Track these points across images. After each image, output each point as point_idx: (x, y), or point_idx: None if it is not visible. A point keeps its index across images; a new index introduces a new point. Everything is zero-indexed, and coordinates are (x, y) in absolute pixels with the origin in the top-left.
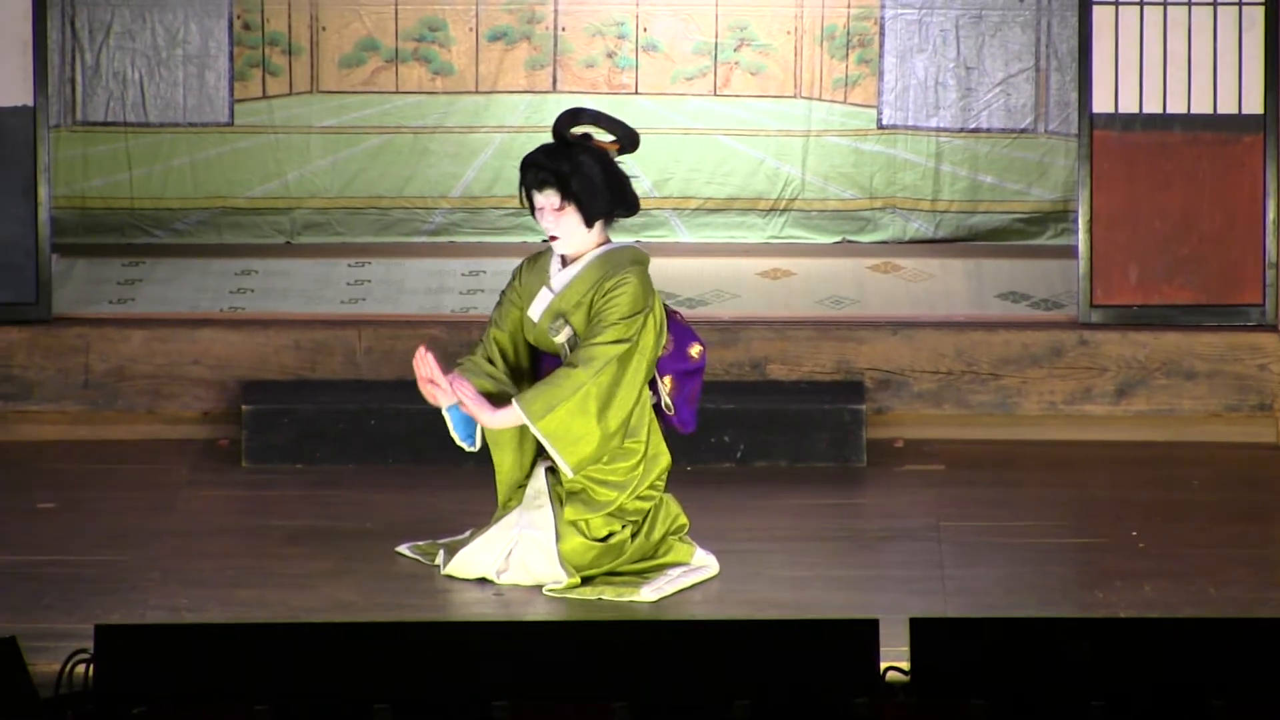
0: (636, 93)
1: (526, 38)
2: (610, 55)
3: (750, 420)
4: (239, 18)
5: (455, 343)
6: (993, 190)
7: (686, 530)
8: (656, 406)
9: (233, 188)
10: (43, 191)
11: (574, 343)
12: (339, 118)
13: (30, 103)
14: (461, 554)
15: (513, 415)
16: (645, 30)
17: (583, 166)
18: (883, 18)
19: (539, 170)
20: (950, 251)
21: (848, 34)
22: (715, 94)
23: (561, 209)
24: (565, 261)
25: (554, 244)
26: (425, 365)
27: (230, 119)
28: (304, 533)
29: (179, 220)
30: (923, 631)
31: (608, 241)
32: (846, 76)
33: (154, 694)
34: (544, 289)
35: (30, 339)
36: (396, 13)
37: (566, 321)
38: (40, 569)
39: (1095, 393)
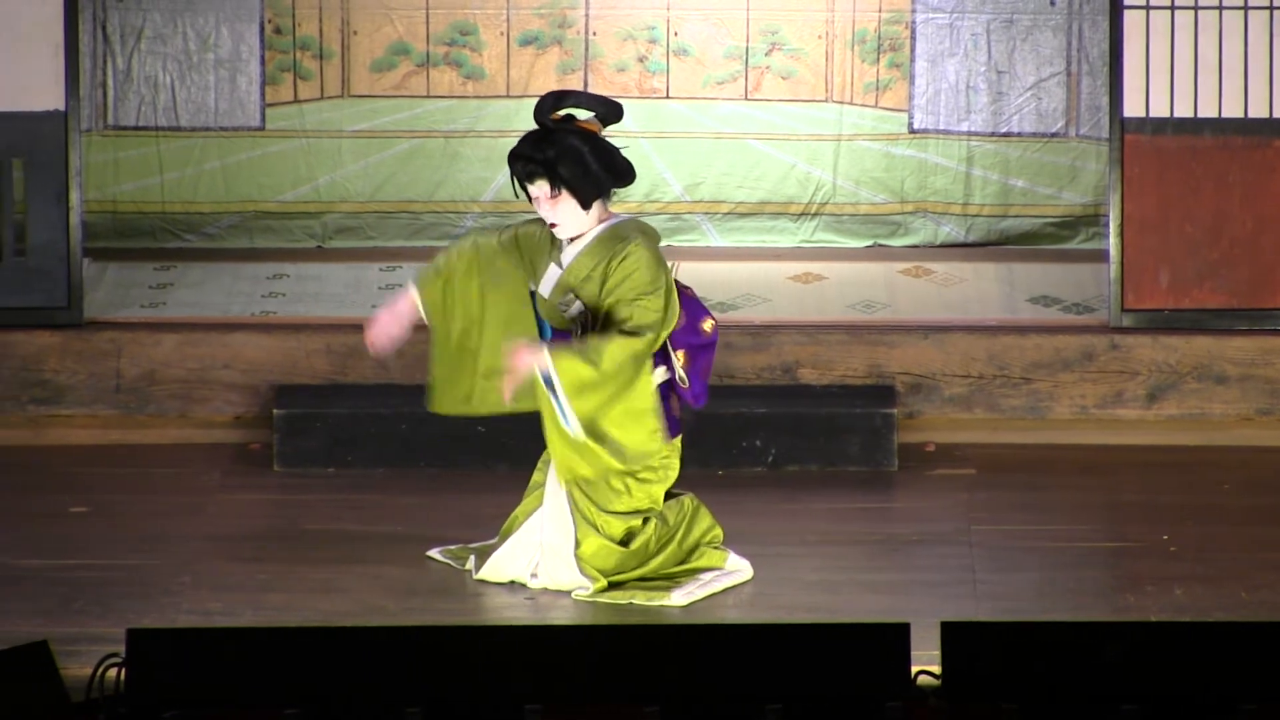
0: (668, 97)
1: (558, 42)
2: (641, 59)
3: (781, 424)
4: (270, 21)
5: None
6: (1024, 194)
7: (722, 540)
8: (669, 381)
9: (264, 192)
10: (74, 196)
11: (584, 317)
12: (370, 122)
13: (62, 107)
14: (493, 559)
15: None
16: (676, 35)
17: (569, 151)
18: (914, 22)
19: (526, 162)
20: (981, 255)
21: (879, 38)
22: (746, 98)
23: (555, 197)
24: (571, 239)
25: (555, 230)
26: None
27: (261, 123)
28: (335, 537)
29: (210, 224)
30: (954, 635)
31: (610, 216)
32: (878, 81)
33: (185, 698)
34: (552, 265)
35: (62, 343)
36: (428, 17)
37: (576, 297)
38: (72, 573)
39: (1126, 397)
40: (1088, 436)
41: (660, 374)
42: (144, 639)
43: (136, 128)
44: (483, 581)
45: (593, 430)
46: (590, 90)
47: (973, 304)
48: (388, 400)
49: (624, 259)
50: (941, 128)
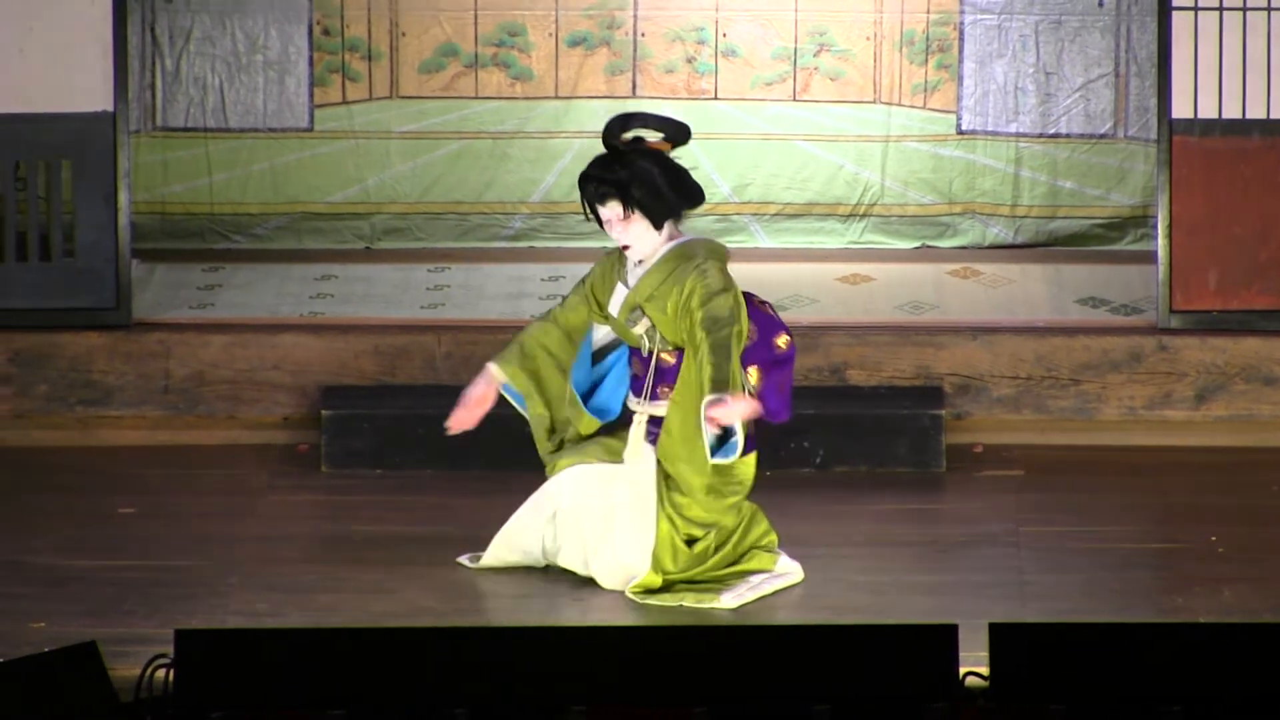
0: (716, 98)
1: (606, 43)
2: (690, 60)
3: (830, 425)
4: (319, 23)
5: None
6: (1072, 195)
7: (776, 544)
8: None
9: (312, 193)
10: (123, 197)
11: (652, 334)
12: (418, 123)
13: (110, 108)
14: (505, 535)
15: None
16: (724, 36)
17: (640, 172)
18: (962, 23)
19: (598, 184)
20: (1030, 257)
21: (927, 39)
22: (795, 99)
23: (627, 218)
24: (640, 260)
25: (628, 253)
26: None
27: (310, 124)
28: (383, 538)
29: (259, 225)
30: (1002, 636)
31: (678, 235)
32: (926, 82)
33: (233, 699)
34: (620, 285)
35: (111, 344)
36: (476, 18)
37: (643, 314)
38: (120, 574)
39: (1175, 398)
40: (1136, 438)
41: None
42: (192, 640)
43: (185, 129)
44: (485, 568)
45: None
46: (639, 91)
47: (1021, 305)
48: (435, 401)
49: (691, 277)
50: (990, 129)
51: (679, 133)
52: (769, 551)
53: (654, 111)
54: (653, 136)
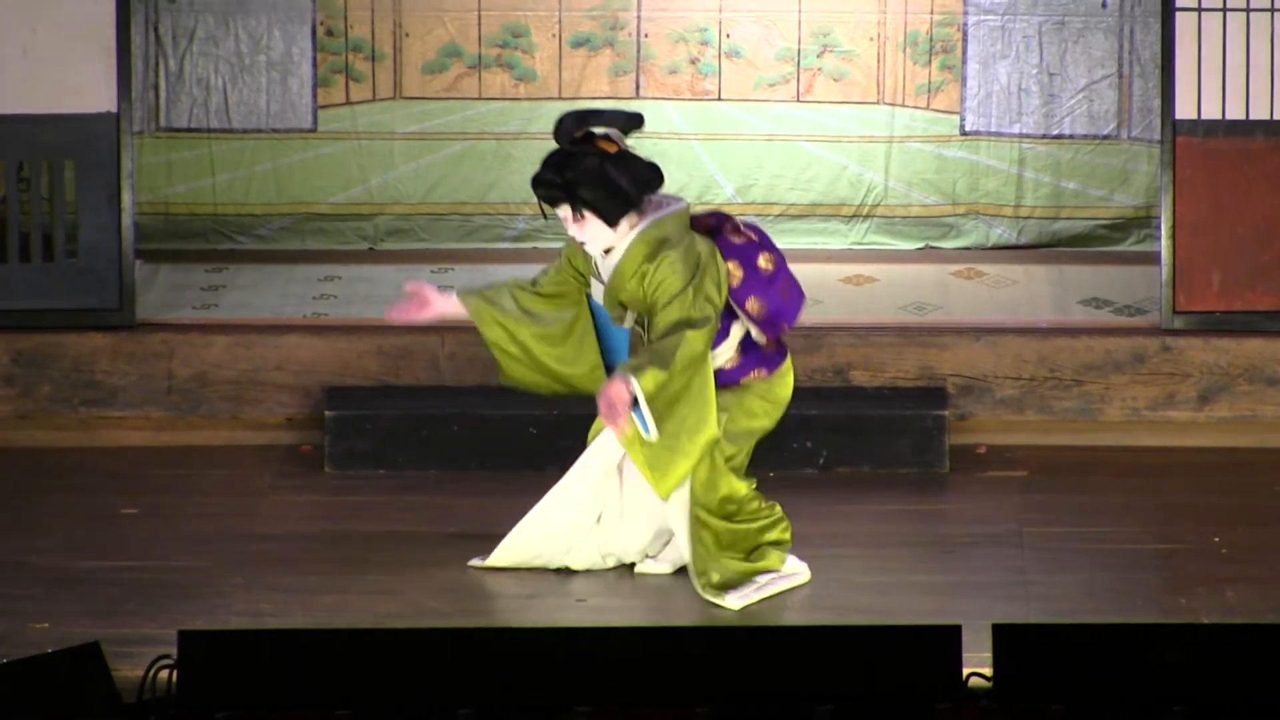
0: (719, 99)
1: (609, 44)
2: (693, 61)
3: (833, 426)
4: (322, 24)
5: None
6: (1076, 196)
7: (787, 547)
8: (748, 336)
9: (316, 194)
10: (126, 197)
11: (644, 321)
12: (422, 124)
13: (114, 109)
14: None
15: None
16: (728, 36)
17: (587, 173)
18: (965, 24)
19: (547, 188)
20: (1033, 257)
21: (930, 40)
22: (798, 100)
23: (580, 219)
24: (606, 251)
25: (585, 248)
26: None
27: (313, 125)
28: (387, 538)
29: (262, 226)
30: (1005, 637)
31: (641, 219)
32: (929, 82)
33: (236, 699)
34: (594, 280)
35: (114, 344)
36: (479, 19)
37: (626, 308)
38: (124, 574)
39: (1178, 399)
40: (1139, 439)
41: (737, 331)
42: (195, 640)
43: (188, 129)
44: (492, 568)
45: (674, 433)
46: (642, 92)
47: (1024, 306)
48: (439, 402)
49: (655, 272)
50: (993, 130)
51: (629, 122)
52: (779, 549)
53: (604, 107)
54: (602, 130)
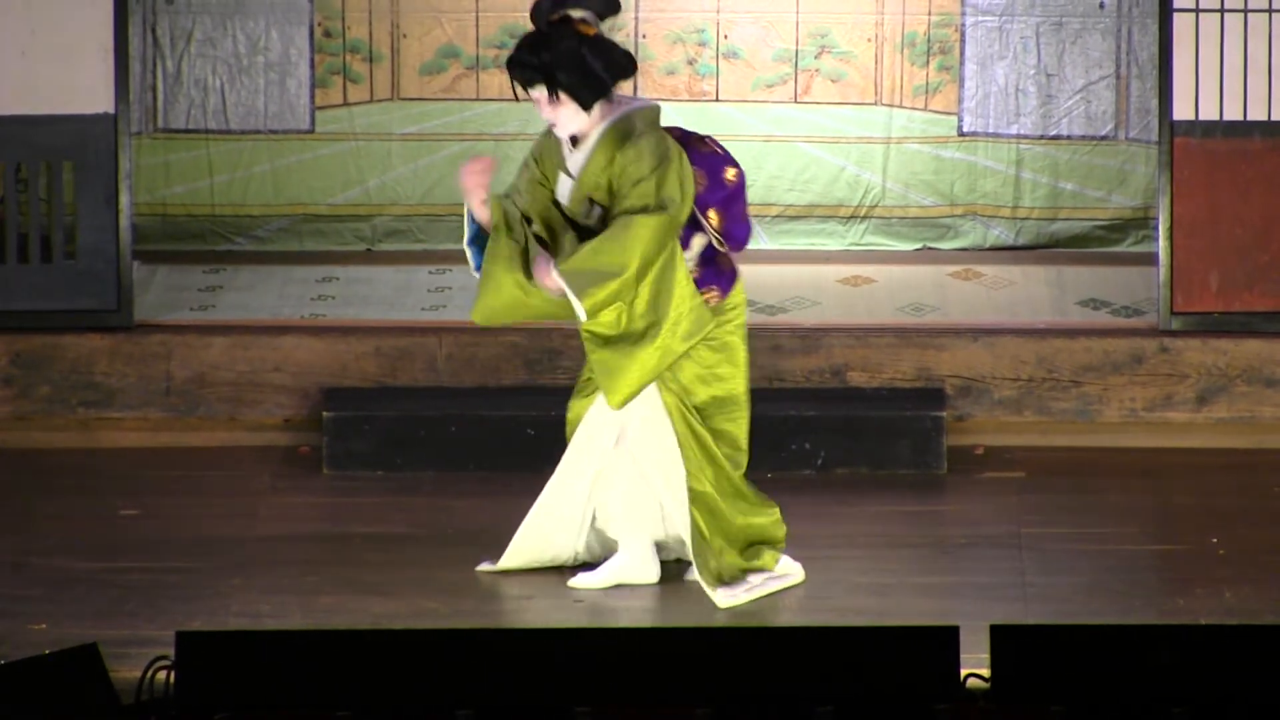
0: (717, 100)
1: None
2: (691, 62)
3: (831, 427)
4: (320, 25)
5: (535, 349)
6: (1073, 197)
7: (783, 539)
8: (710, 247)
9: (314, 195)
10: (124, 198)
11: (606, 217)
12: (420, 125)
13: (112, 110)
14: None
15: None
16: (726, 37)
17: (564, 55)
18: (963, 25)
19: (523, 69)
20: (1031, 258)
21: (928, 41)
22: (796, 101)
23: (555, 101)
24: (576, 141)
25: (555, 130)
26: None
27: (311, 126)
28: (385, 539)
29: (260, 227)
30: (1003, 638)
31: (613, 109)
32: (927, 83)
33: (235, 701)
34: (563, 175)
35: (112, 346)
36: (477, 20)
37: (595, 203)
38: (122, 575)
39: (1176, 400)
40: (1137, 439)
41: (698, 242)
42: (193, 641)
43: (186, 131)
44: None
45: (635, 322)
46: (640, 93)
47: (1022, 307)
48: (437, 403)
49: (622, 157)
50: (991, 131)
51: (606, 6)
52: (773, 548)
53: None
54: (579, 13)
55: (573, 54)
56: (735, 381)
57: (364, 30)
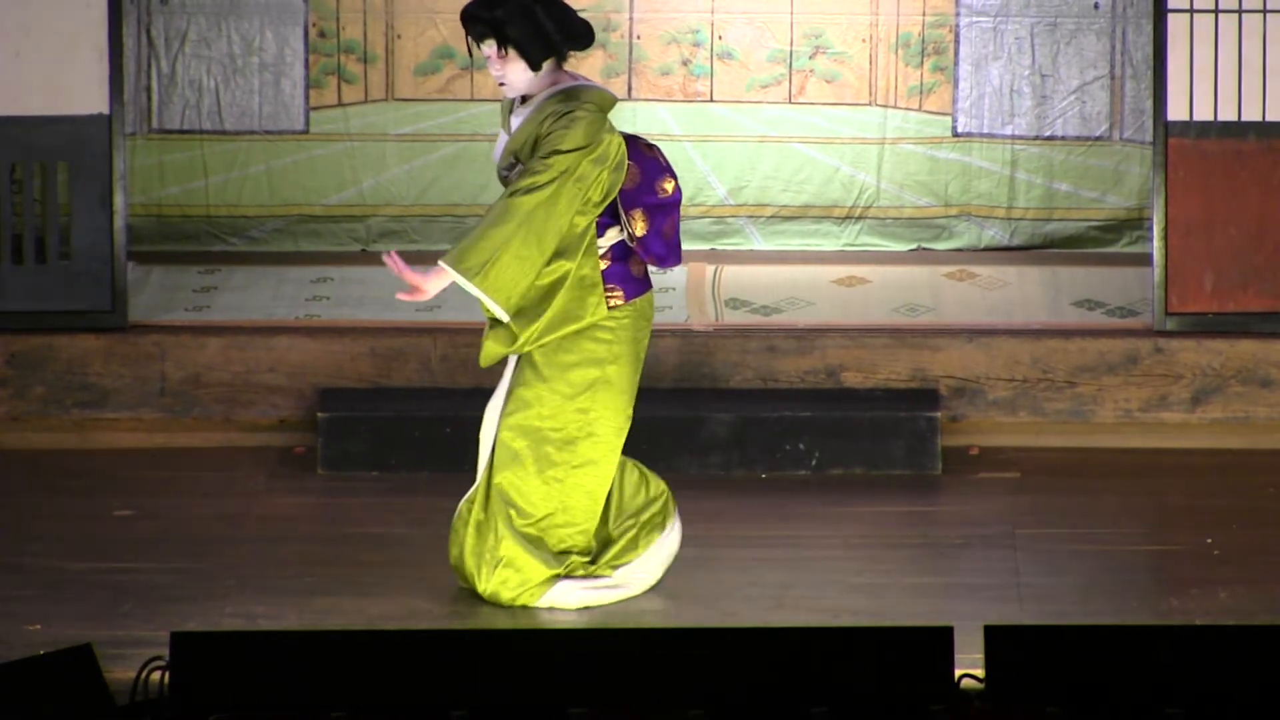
0: (712, 100)
1: (602, 45)
2: (685, 63)
3: (825, 428)
4: (314, 25)
5: None
6: (1068, 198)
7: (669, 519)
8: (622, 243)
9: (309, 195)
10: (119, 199)
11: None
12: (414, 125)
13: (106, 111)
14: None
15: (445, 277)
16: (720, 38)
17: (519, 11)
18: (958, 25)
19: (475, 23)
20: (1025, 259)
21: (923, 41)
22: (790, 102)
23: (504, 57)
24: (525, 102)
25: (503, 90)
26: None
27: (306, 126)
28: (380, 540)
29: (255, 228)
30: (998, 639)
31: (565, 78)
32: (921, 84)
33: (230, 701)
34: (502, 133)
35: (107, 346)
36: None
37: (519, 161)
38: (116, 576)
39: (1171, 400)
40: (1132, 440)
41: (612, 235)
42: (188, 642)
43: (181, 131)
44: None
45: (524, 311)
46: (634, 93)
47: (1017, 307)
48: (431, 403)
49: (556, 122)
50: (985, 131)
51: None
52: (647, 537)
53: None
54: None
55: (525, 9)
56: (612, 367)
57: (359, 31)
